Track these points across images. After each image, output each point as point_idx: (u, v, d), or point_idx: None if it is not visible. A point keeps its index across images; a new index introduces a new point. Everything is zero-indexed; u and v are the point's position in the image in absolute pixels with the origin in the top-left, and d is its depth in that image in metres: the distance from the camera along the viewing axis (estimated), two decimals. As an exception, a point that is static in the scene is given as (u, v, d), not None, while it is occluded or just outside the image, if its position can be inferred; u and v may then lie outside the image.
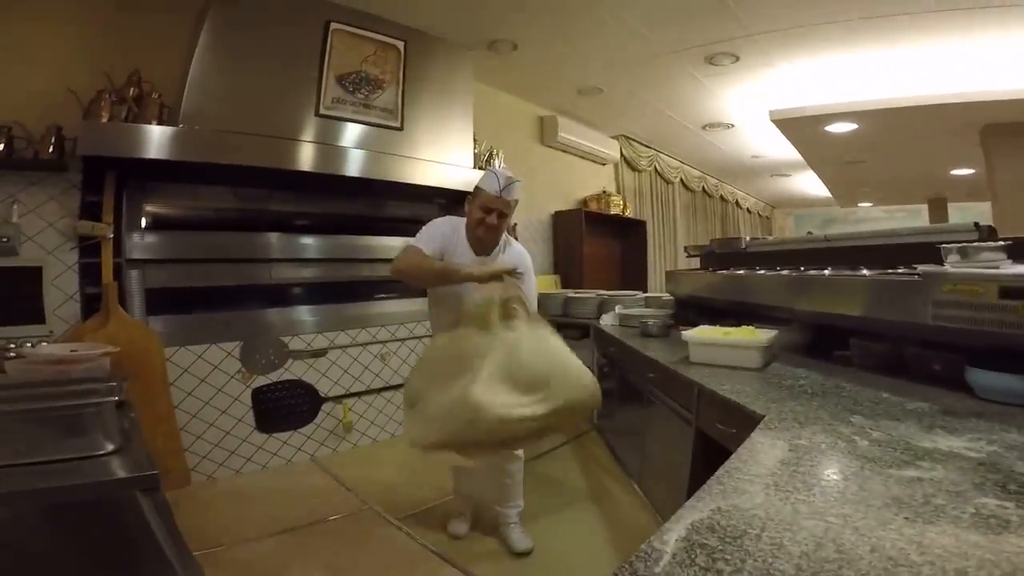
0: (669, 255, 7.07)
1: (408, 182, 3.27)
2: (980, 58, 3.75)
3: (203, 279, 2.93)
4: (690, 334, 2.16)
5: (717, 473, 0.98)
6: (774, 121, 4.79)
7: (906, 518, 0.75)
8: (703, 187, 8.11)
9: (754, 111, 5.04)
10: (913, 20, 3.24)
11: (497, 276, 1.79)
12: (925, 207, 9.54)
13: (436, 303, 2.14)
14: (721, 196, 8.90)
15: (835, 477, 0.97)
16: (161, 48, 2.69)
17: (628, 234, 6.13)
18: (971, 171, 6.61)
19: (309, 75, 2.86)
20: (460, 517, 2.30)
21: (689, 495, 1.84)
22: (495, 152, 3.85)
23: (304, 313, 3.28)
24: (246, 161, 2.63)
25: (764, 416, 1.35)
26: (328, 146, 2.96)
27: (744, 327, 2.30)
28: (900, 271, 1.81)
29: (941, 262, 1.69)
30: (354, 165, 3.05)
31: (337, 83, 2.93)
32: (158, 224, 2.81)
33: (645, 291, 5.74)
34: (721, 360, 2.03)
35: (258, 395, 2.97)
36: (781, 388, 1.68)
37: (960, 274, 1.45)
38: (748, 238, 3.36)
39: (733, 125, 5.61)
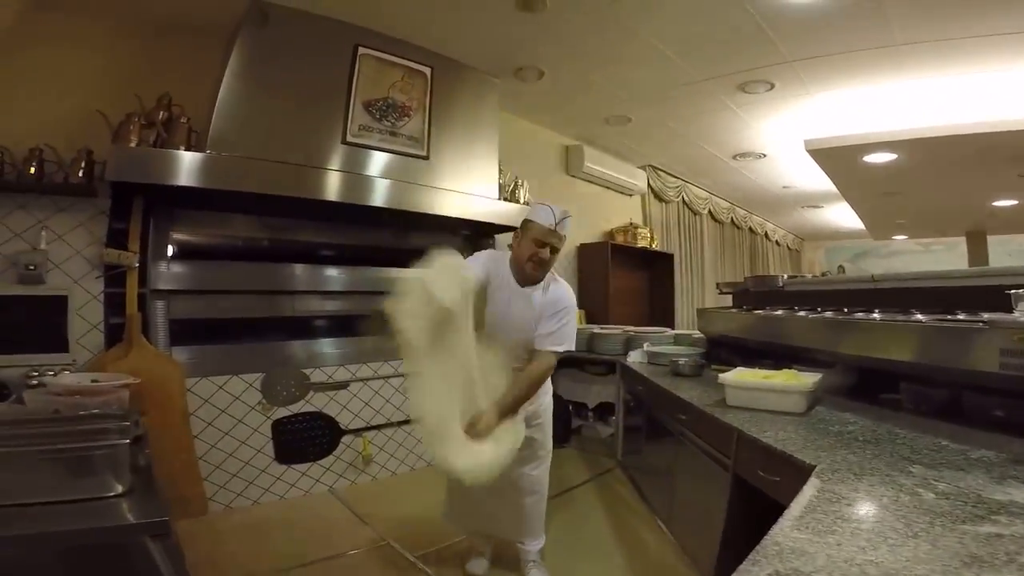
0: (696, 289, 6.87)
1: (435, 213, 3.20)
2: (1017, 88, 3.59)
3: (227, 310, 2.90)
4: (727, 377, 2.09)
5: (772, 532, 0.91)
6: (809, 151, 4.65)
7: (988, 579, 0.67)
8: (732, 218, 7.95)
9: (787, 140, 4.92)
10: (956, 46, 3.10)
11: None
12: (962, 240, 9.25)
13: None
14: (750, 228, 8.72)
15: (903, 534, 0.90)
16: (191, 72, 2.70)
17: (655, 267, 5.98)
18: (1014, 202, 6.35)
19: (336, 101, 2.85)
20: (479, 556, 2.20)
21: (724, 541, 1.93)
22: (520, 183, 3.78)
23: (326, 345, 3.22)
24: (272, 190, 2.59)
25: (815, 466, 1.29)
26: (354, 175, 2.91)
27: (784, 370, 2.21)
28: (960, 317, 1.76)
29: (999, 307, 1.66)
30: (380, 195, 2.99)
31: (364, 110, 2.91)
32: (184, 253, 2.79)
33: (672, 327, 5.56)
34: (761, 404, 1.96)
35: (278, 427, 2.92)
36: (829, 435, 1.61)
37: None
38: (786, 276, 3.21)
39: (765, 155, 5.48)
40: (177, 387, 2.53)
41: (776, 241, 10.07)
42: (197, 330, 2.81)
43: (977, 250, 8.19)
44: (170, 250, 2.72)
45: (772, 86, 3.77)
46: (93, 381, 1.95)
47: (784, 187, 6.97)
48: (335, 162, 2.85)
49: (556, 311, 1.94)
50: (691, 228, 6.88)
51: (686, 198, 6.64)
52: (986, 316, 1.53)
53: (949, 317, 1.80)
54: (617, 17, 2.89)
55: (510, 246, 2.03)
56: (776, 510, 1.48)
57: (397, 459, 3.39)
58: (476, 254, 2.02)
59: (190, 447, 2.55)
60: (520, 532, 2.11)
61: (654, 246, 5.71)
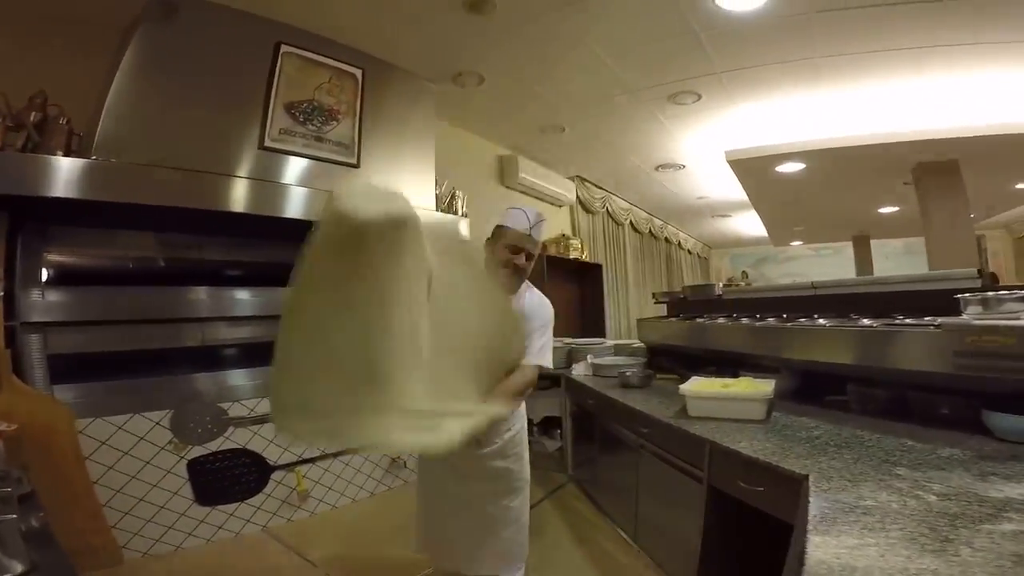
0: (622, 298, 7.00)
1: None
2: (919, 97, 3.94)
3: (120, 342, 2.43)
4: (688, 388, 2.09)
5: (807, 550, 0.91)
6: (729, 161, 4.86)
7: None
8: (650, 229, 8.21)
9: (707, 151, 5.12)
10: (869, 60, 3.33)
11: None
12: (846, 245, 10.24)
13: None
14: (666, 238, 9.07)
15: (936, 539, 0.92)
16: (75, 70, 2.28)
17: (585, 278, 5.98)
18: (896, 208, 7.07)
19: (253, 102, 2.51)
20: None
21: (704, 553, 1.91)
22: (457, 193, 3.59)
23: (243, 377, 2.81)
24: (173, 201, 2.22)
25: (807, 475, 1.31)
26: (272, 184, 2.58)
27: (740, 378, 2.27)
28: (908, 321, 1.84)
29: (933, 310, 1.80)
30: (301, 206, 2.66)
31: (286, 112, 2.59)
32: (63, 278, 2.30)
33: (603, 337, 5.57)
34: (723, 413, 1.98)
35: (195, 466, 2.46)
36: (799, 441, 1.64)
37: (984, 326, 1.47)
38: (721, 284, 3.28)
39: (684, 166, 5.68)
40: (65, 430, 2.13)
41: (688, 250, 10.58)
42: (85, 365, 2.35)
43: (862, 253, 9.05)
44: (44, 274, 2.23)
45: (699, 97, 3.87)
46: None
47: (699, 197, 7.31)
48: (250, 169, 2.50)
49: (536, 324, 1.76)
50: (615, 239, 7.00)
51: (610, 209, 6.74)
52: (938, 320, 1.59)
53: (897, 321, 1.87)
54: (565, 22, 2.81)
55: None
56: (756, 517, 1.58)
57: (336, 491, 3.07)
58: None
59: (90, 493, 2.21)
60: (497, 567, 1.87)
61: (584, 257, 5.71)
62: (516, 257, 1.71)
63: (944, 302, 1.83)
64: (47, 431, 2.04)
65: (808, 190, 5.80)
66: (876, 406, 1.93)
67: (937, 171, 4.72)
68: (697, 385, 2.14)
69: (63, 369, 2.26)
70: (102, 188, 2.05)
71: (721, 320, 2.89)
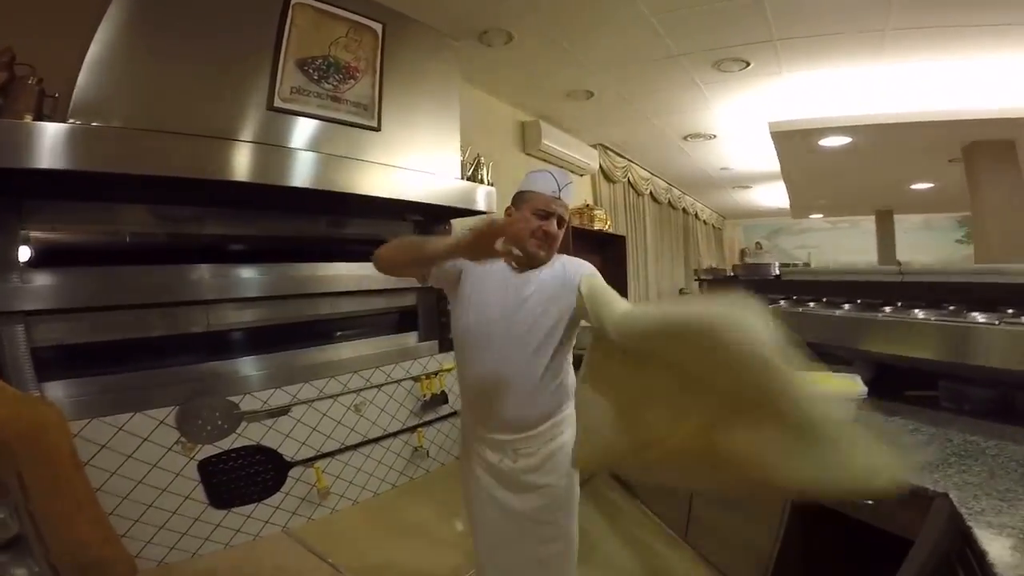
0: (642, 272, 6.74)
1: (388, 196, 2.62)
2: (979, 75, 3.61)
3: (115, 331, 2.17)
4: None
5: None
6: (773, 133, 4.53)
7: None
8: (668, 199, 7.88)
9: (742, 121, 4.77)
10: (942, 34, 2.99)
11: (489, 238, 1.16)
12: (862, 218, 9.97)
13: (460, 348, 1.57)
14: (684, 208, 8.74)
15: None
16: (48, 23, 1.93)
17: (607, 250, 5.70)
18: (929, 185, 6.75)
19: (260, 58, 2.17)
20: None
21: (778, 563, 1.81)
22: (482, 160, 3.28)
23: (255, 365, 2.57)
24: (166, 171, 1.90)
25: (944, 493, 1.23)
26: (284, 149, 2.26)
27: (820, 374, 1.96)
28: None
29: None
30: (319, 174, 2.34)
31: (298, 69, 2.26)
32: (45, 258, 2.01)
33: (626, 312, 5.35)
34: None
35: (206, 467, 2.33)
36: (905, 448, 1.53)
37: None
38: (778, 263, 3.02)
39: (715, 136, 5.33)
40: (58, 434, 1.87)
41: (704, 220, 10.26)
42: (76, 359, 2.10)
43: (886, 227, 8.77)
44: (24, 254, 1.96)
45: (747, 65, 3.51)
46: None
47: (722, 168, 6.96)
48: (258, 133, 2.19)
49: (585, 273, 1.50)
50: (635, 209, 6.69)
51: (631, 179, 6.41)
52: None
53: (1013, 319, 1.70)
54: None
55: None
56: (848, 531, 1.51)
57: (357, 485, 2.89)
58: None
59: (93, 501, 1.99)
60: None
61: (608, 228, 5.42)
62: (547, 223, 1.45)
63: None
64: (40, 437, 1.79)
65: (847, 164, 5.48)
66: (973, 405, 1.82)
67: (992, 151, 4.42)
68: None
69: (51, 364, 2.01)
70: (83, 157, 1.73)
71: (783, 303, 2.69)
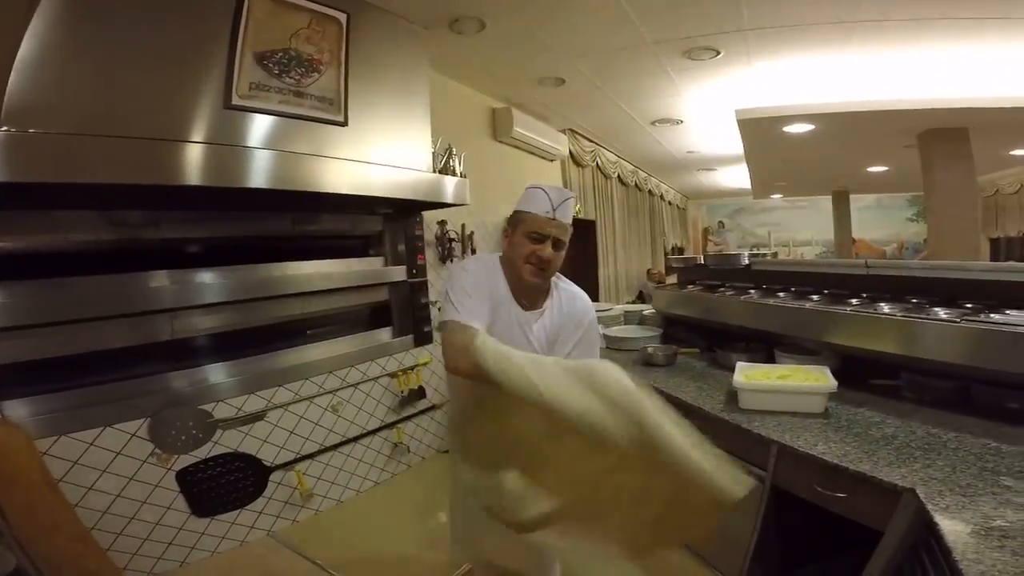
0: (611, 256, 6.79)
1: (354, 193, 2.52)
2: (936, 66, 3.72)
3: (75, 344, 2.04)
4: (742, 380, 2.00)
5: None
6: (739, 120, 4.58)
7: None
8: (635, 182, 7.92)
9: (709, 108, 4.80)
10: (908, 26, 3.05)
11: None
12: (819, 198, 10.33)
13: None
14: (649, 190, 8.81)
15: None
16: None
17: (578, 235, 5.68)
18: (885, 168, 6.99)
19: (216, 53, 2.03)
20: None
21: (757, 552, 1.89)
22: (453, 151, 3.20)
23: (226, 371, 2.47)
24: (117, 178, 1.75)
25: (912, 488, 1.30)
26: (243, 149, 2.12)
27: (787, 365, 2.19)
28: (993, 318, 1.76)
29: (1008, 302, 1.82)
30: (280, 173, 2.20)
31: (257, 63, 2.13)
32: (-9, 272, 1.88)
33: (598, 298, 5.41)
34: (780, 407, 1.92)
35: (185, 477, 2.28)
36: (875, 442, 1.62)
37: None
38: (747, 253, 3.08)
39: (683, 121, 5.35)
40: (27, 454, 1.80)
41: (669, 201, 10.38)
42: (36, 376, 1.97)
43: (842, 207, 9.09)
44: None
45: (718, 53, 3.51)
46: None
47: (689, 152, 7.03)
48: (215, 133, 2.05)
49: (579, 328, 1.52)
50: (604, 192, 6.70)
51: (600, 163, 6.40)
52: None
53: (992, 318, 1.77)
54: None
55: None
56: (821, 518, 1.60)
57: (340, 485, 2.88)
58: (463, 267, 1.46)
59: (72, 518, 1.93)
60: (542, 567, 1.68)
61: (578, 213, 5.42)
62: (539, 248, 1.39)
63: (1018, 294, 1.85)
64: (8, 460, 1.71)
65: (807, 149, 5.61)
66: (933, 396, 1.91)
67: (945, 137, 4.60)
68: (751, 376, 2.04)
69: (10, 382, 1.89)
70: (20, 167, 1.58)
71: (754, 294, 2.77)
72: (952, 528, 1.11)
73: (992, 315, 1.78)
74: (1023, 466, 1.38)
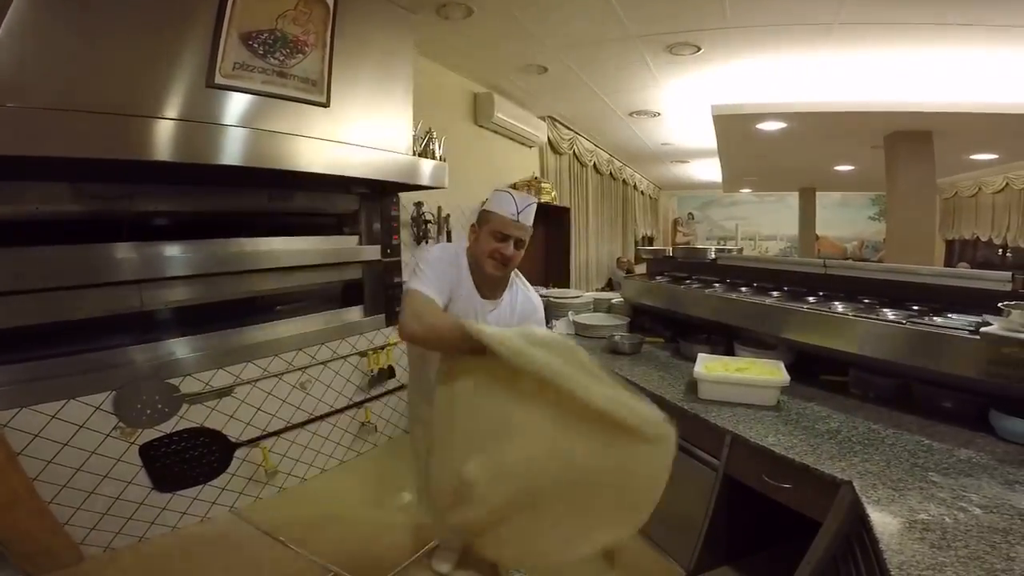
0: (583, 244, 6.88)
1: (330, 173, 2.51)
2: (897, 71, 3.87)
3: (39, 314, 2.01)
4: (703, 372, 2.09)
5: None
6: (715, 116, 4.68)
7: None
8: (610, 171, 8.01)
9: (686, 102, 4.89)
10: (887, 30, 3.15)
11: None
12: (786, 193, 10.62)
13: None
14: (623, 180, 8.91)
15: (1003, 557, 1.01)
16: None
17: (551, 223, 5.77)
18: (851, 167, 7.23)
19: (201, 32, 2.00)
20: (448, 551, 2.12)
21: (708, 538, 2.00)
22: (434, 134, 3.20)
23: (194, 345, 2.46)
24: (94, 152, 1.74)
25: (849, 481, 1.38)
26: (222, 127, 2.09)
27: (746, 359, 2.28)
28: (936, 320, 1.87)
29: (959, 307, 1.94)
30: (257, 152, 2.18)
31: (242, 43, 2.10)
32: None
33: (568, 285, 5.50)
34: (736, 399, 2.02)
35: (148, 452, 2.28)
36: (821, 436, 1.71)
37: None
38: (714, 248, 3.21)
39: (660, 114, 5.43)
40: None
41: (641, 191, 10.51)
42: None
43: (808, 203, 9.37)
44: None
45: (698, 50, 3.57)
46: None
47: (663, 144, 7.13)
48: (197, 111, 2.02)
49: (527, 322, 1.72)
50: (579, 180, 6.76)
51: (576, 151, 6.45)
52: (985, 329, 1.61)
53: (927, 320, 1.89)
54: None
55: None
56: (771, 507, 1.69)
57: (304, 463, 2.92)
58: (431, 251, 1.66)
59: (31, 492, 1.96)
60: None
61: (553, 200, 5.47)
62: (502, 246, 1.59)
63: (962, 298, 1.97)
64: None
65: (779, 146, 5.75)
66: (877, 392, 2.04)
67: (910, 140, 4.78)
68: (711, 368, 2.12)
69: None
70: None
71: (718, 287, 2.87)
72: (881, 520, 1.17)
73: (935, 318, 1.91)
74: (950, 463, 1.46)
